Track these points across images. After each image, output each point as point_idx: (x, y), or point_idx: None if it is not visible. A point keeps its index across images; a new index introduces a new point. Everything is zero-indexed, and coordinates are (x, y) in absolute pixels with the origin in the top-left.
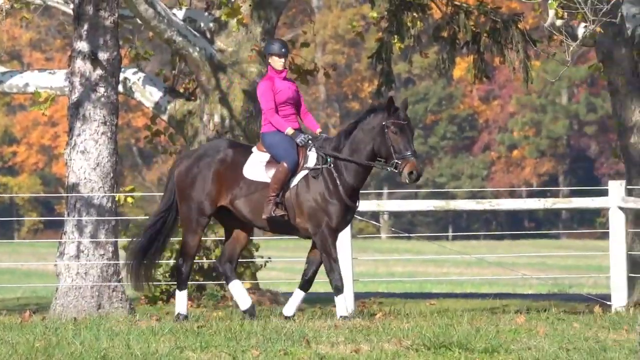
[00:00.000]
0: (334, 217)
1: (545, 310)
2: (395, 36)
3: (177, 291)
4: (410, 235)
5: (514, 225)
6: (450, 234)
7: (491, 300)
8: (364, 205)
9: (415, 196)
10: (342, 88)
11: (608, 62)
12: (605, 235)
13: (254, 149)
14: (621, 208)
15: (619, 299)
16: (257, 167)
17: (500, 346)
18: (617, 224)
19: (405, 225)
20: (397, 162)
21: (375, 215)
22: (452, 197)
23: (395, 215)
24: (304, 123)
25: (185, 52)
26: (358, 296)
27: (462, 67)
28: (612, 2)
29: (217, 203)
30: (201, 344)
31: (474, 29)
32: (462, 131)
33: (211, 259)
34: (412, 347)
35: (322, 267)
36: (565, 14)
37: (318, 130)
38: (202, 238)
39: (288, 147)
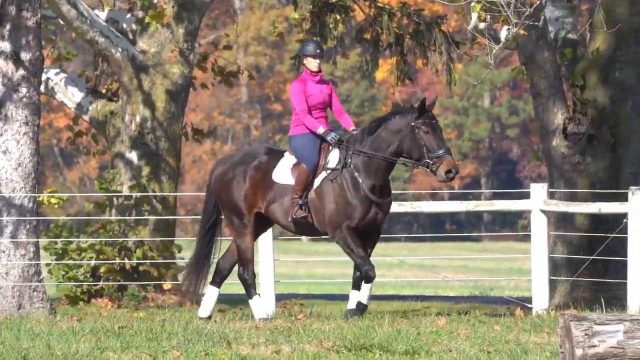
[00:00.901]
0: (354, 218)
1: (466, 313)
2: (318, 38)
3: (249, 300)
4: None
5: (436, 228)
6: None
7: (412, 302)
8: None
9: None
10: (264, 90)
11: (530, 65)
12: (526, 238)
13: (286, 154)
14: (543, 211)
15: (540, 301)
16: (285, 170)
17: (421, 348)
18: (539, 227)
19: None
20: (429, 162)
21: None
22: None
23: None
24: (340, 123)
25: (108, 52)
26: (279, 297)
27: (384, 69)
28: (535, 5)
29: (253, 208)
30: (122, 345)
31: (397, 31)
32: None
33: (132, 260)
34: (332, 348)
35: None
36: (488, 16)
37: (351, 129)
38: (123, 239)
39: (309, 148)
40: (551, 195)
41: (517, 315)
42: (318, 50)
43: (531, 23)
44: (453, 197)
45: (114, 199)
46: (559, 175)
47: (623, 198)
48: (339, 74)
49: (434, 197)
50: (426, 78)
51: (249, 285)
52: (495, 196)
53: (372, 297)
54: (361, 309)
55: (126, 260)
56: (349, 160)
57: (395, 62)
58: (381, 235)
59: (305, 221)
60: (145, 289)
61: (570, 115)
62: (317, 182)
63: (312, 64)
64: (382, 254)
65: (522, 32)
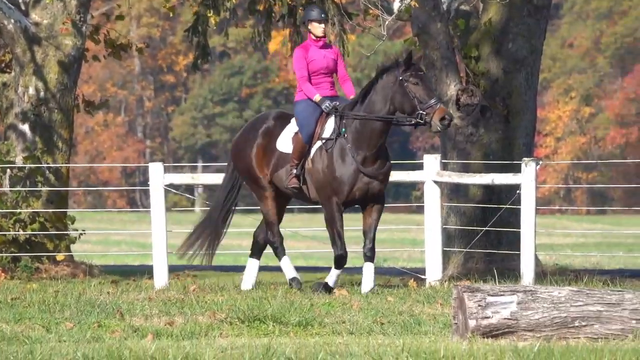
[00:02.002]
0: (341, 192)
1: (359, 284)
2: (211, 9)
3: (279, 262)
4: None
5: None
6: None
7: (306, 274)
8: (178, 179)
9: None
10: (157, 61)
11: (423, 36)
12: (420, 209)
13: (292, 120)
14: (436, 182)
15: (434, 272)
16: (288, 138)
17: (314, 320)
18: (432, 198)
19: None
20: (422, 113)
21: (189, 189)
22: None
23: (209, 189)
24: (342, 89)
25: (0, 24)
26: (172, 269)
27: (277, 40)
28: None
29: (263, 173)
30: (15, 316)
31: (289, 2)
32: (278, 105)
33: (27, 232)
34: (226, 320)
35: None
36: None
37: (351, 97)
38: (21, 210)
39: (307, 116)
40: (444, 167)
41: (410, 287)
42: (322, 15)
43: None
44: None
45: (8, 170)
46: (452, 147)
47: (516, 169)
48: (232, 45)
49: None
50: None
51: (276, 247)
52: None
53: (264, 268)
54: (327, 289)
55: (20, 232)
56: (343, 130)
57: (288, 34)
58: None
59: (296, 193)
60: (38, 260)
61: (463, 86)
62: (312, 151)
63: (317, 29)
64: None
65: (414, 3)
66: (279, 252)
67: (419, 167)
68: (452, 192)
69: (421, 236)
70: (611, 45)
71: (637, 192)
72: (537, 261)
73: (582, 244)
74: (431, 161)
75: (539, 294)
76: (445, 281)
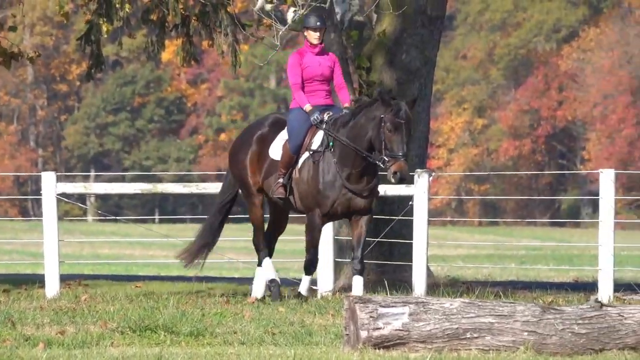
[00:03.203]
0: (323, 205)
1: (251, 294)
2: (104, 18)
3: (260, 266)
4: (117, 217)
5: None
6: (157, 217)
7: (197, 284)
8: (70, 188)
9: (122, 179)
10: (50, 70)
11: None
12: None
13: (286, 127)
14: None
15: (325, 283)
16: (279, 146)
17: (205, 330)
18: None
19: (112, 208)
20: (384, 159)
21: (82, 198)
22: (159, 180)
23: (102, 198)
24: (338, 96)
25: None
26: (63, 278)
27: (170, 50)
28: None
29: (254, 179)
30: None
31: (183, 12)
32: (170, 114)
33: None
34: (117, 329)
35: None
36: None
37: (345, 105)
38: None
39: (297, 126)
40: None
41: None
42: (318, 23)
43: (318, 5)
44: None
45: None
46: None
47: (408, 180)
48: (125, 55)
49: (220, 178)
50: (212, 59)
51: (260, 250)
52: None
53: (156, 278)
54: (302, 299)
55: None
56: (331, 143)
57: (181, 44)
58: (166, 216)
59: (283, 201)
60: None
61: (356, 97)
62: (300, 162)
63: (312, 36)
64: (167, 234)
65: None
66: (262, 257)
67: None
68: None
69: None
70: (504, 57)
71: (529, 203)
72: (429, 272)
73: (474, 256)
74: None
75: (431, 306)
76: (336, 292)
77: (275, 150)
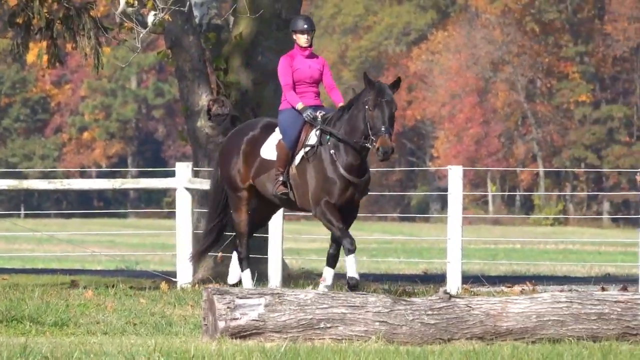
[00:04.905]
0: (333, 194)
1: (113, 286)
2: None
3: (241, 273)
4: None
5: (84, 205)
6: (22, 212)
7: (61, 276)
8: None
9: None
10: None
11: (176, 48)
12: (172, 215)
13: (277, 128)
14: (187, 189)
15: (185, 275)
16: (272, 146)
17: (69, 320)
18: (184, 204)
19: None
20: (372, 139)
21: None
22: (25, 176)
23: None
24: (330, 97)
25: None
26: None
27: (35, 52)
28: None
29: (246, 181)
30: None
31: (47, 16)
32: (35, 113)
33: None
34: None
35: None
36: (136, 1)
37: (340, 105)
38: None
39: (290, 124)
40: (196, 174)
41: (162, 289)
42: (306, 26)
43: (177, 8)
44: (101, 175)
45: None
46: (203, 155)
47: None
48: None
49: (83, 175)
50: (76, 61)
51: (242, 258)
52: (142, 174)
53: (22, 271)
54: (354, 283)
55: None
56: (327, 137)
57: (46, 46)
58: (32, 211)
59: (286, 197)
60: None
61: (214, 97)
62: (297, 159)
63: (301, 39)
64: (32, 229)
65: (167, 17)
66: (244, 264)
67: (171, 174)
68: (203, 198)
69: (172, 240)
70: (356, 59)
71: (379, 199)
72: (284, 265)
73: (325, 249)
74: (183, 169)
75: (286, 297)
76: (196, 284)
77: (268, 150)
